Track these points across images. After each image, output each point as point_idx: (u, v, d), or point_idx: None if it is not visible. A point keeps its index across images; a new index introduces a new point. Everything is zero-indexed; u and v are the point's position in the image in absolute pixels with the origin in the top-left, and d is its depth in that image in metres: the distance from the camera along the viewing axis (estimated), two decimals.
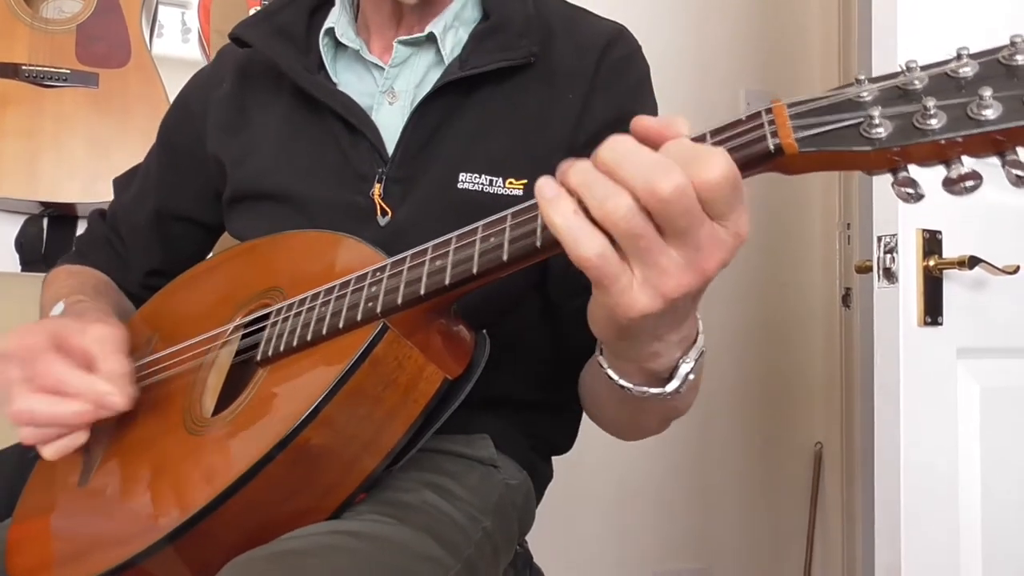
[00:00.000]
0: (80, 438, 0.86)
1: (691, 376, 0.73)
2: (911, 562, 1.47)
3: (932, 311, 1.52)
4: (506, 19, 1.05)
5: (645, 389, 0.74)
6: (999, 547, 1.61)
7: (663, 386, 0.73)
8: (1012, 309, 1.65)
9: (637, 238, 0.57)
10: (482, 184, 0.99)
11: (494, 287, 0.85)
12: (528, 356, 1.05)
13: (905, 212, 1.50)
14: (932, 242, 1.51)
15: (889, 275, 1.51)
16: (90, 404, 0.83)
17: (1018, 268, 1.56)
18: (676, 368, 0.72)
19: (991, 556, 1.59)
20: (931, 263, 1.51)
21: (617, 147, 0.58)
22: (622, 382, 0.75)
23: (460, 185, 0.99)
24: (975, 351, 1.59)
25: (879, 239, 1.53)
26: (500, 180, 0.99)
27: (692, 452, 2.51)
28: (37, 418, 0.84)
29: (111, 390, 0.84)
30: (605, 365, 0.76)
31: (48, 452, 0.86)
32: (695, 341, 0.73)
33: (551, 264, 0.99)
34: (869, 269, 1.58)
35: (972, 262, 1.50)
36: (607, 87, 1.04)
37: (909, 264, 1.50)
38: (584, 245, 0.58)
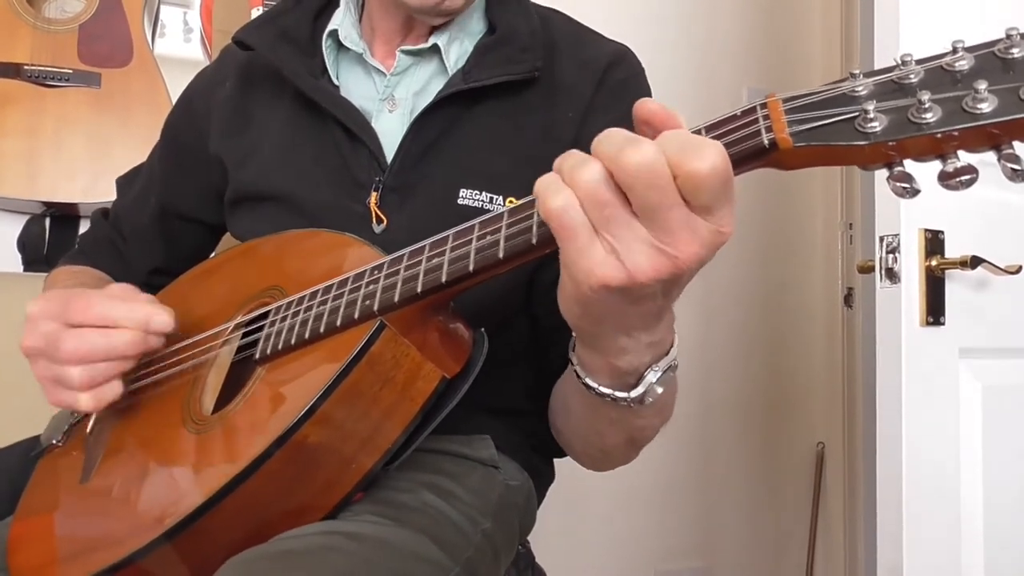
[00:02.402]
0: (116, 387, 0.88)
1: (658, 389, 0.73)
2: (913, 562, 1.47)
3: (934, 311, 1.52)
4: (511, 33, 1.05)
5: (610, 391, 0.74)
6: (1001, 546, 1.61)
7: (628, 392, 0.74)
8: (1014, 309, 1.65)
9: (601, 204, 0.58)
10: (482, 201, 0.99)
11: (488, 303, 0.85)
12: (522, 369, 1.05)
13: (907, 212, 1.50)
14: (934, 242, 1.52)
15: (891, 275, 1.51)
16: (139, 330, 0.86)
17: (1020, 268, 1.56)
18: (643, 375, 0.73)
19: (993, 555, 1.59)
20: (933, 263, 1.51)
21: (602, 133, 0.59)
22: (588, 380, 0.75)
23: (460, 201, 0.99)
24: (977, 351, 1.59)
25: (881, 239, 1.53)
26: (500, 199, 0.99)
27: (694, 452, 2.51)
28: (93, 352, 0.86)
29: (156, 311, 0.87)
30: (574, 361, 0.76)
31: (86, 400, 0.87)
32: (667, 352, 0.73)
33: (538, 279, 1.00)
34: (871, 269, 1.58)
35: (974, 262, 1.50)
36: (605, 109, 1.03)
37: (911, 264, 1.50)
38: (551, 198, 0.59)
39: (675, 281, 0.61)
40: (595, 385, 0.75)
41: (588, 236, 0.59)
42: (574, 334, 0.75)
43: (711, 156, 0.55)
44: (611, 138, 0.58)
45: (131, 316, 0.87)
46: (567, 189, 0.59)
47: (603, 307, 0.64)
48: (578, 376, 0.76)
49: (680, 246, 0.58)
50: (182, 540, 0.76)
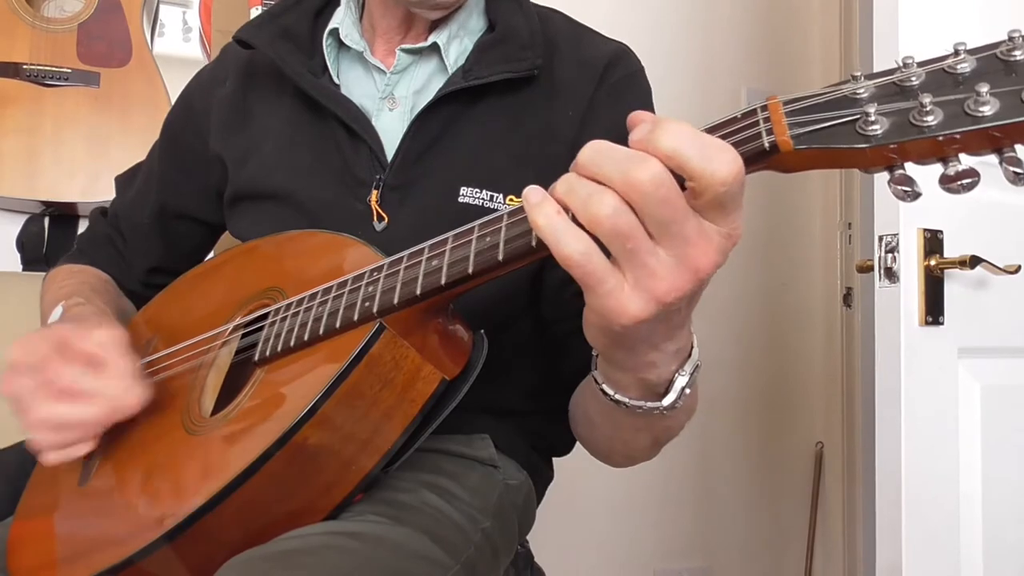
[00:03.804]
0: (84, 448, 0.86)
1: (687, 391, 0.72)
2: (912, 562, 1.47)
3: (933, 311, 1.52)
4: (511, 31, 1.05)
5: (641, 403, 0.73)
6: (1000, 546, 1.61)
7: (659, 400, 0.73)
8: (1013, 309, 1.65)
9: (624, 238, 0.56)
10: (483, 199, 0.99)
11: (488, 304, 0.85)
12: (522, 370, 1.05)
13: (906, 211, 1.50)
14: (933, 241, 1.51)
15: (890, 274, 1.51)
16: (106, 406, 0.84)
17: (1019, 268, 1.55)
18: (672, 382, 0.72)
19: (992, 555, 1.59)
20: (932, 263, 1.51)
21: (595, 148, 0.57)
22: (618, 396, 0.74)
23: (461, 199, 0.99)
24: (976, 351, 1.59)
25: (880, 238, 1.53)
26: (500, 196, 0.99)
27: (693, 451, 2.51)
28: (59, 424, 0.85)
29: (125, 390, 0.84)
30: (600, 380, 0.75)
31: (50, 459, 0.86)
32: (690, 354, 0.72)
33: (545, 283, 1.00)
34: (870, 268, 1.58)
35: (973, 262, 1.50)
36: (606, 107, 1.04)
37: (910, 264, 1.50)
38: (567, 244, 0.57)
39: (697, 291, 0.61)
40: (626, 399, 0.74)
41: (615, 278, 0.58)
42: (596, 353, 0.74)
43: (728, 161, 0.55)
44: (611, 157, 0.57)
45: (104, 392, 0.84)
46: (581, 233, 0.57)
47: (634, 335, 0.64)
48: (605, 393, 0.75)
49: (699, 257, 0.57)
50: (182, 542, 0.75)
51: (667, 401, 0.72)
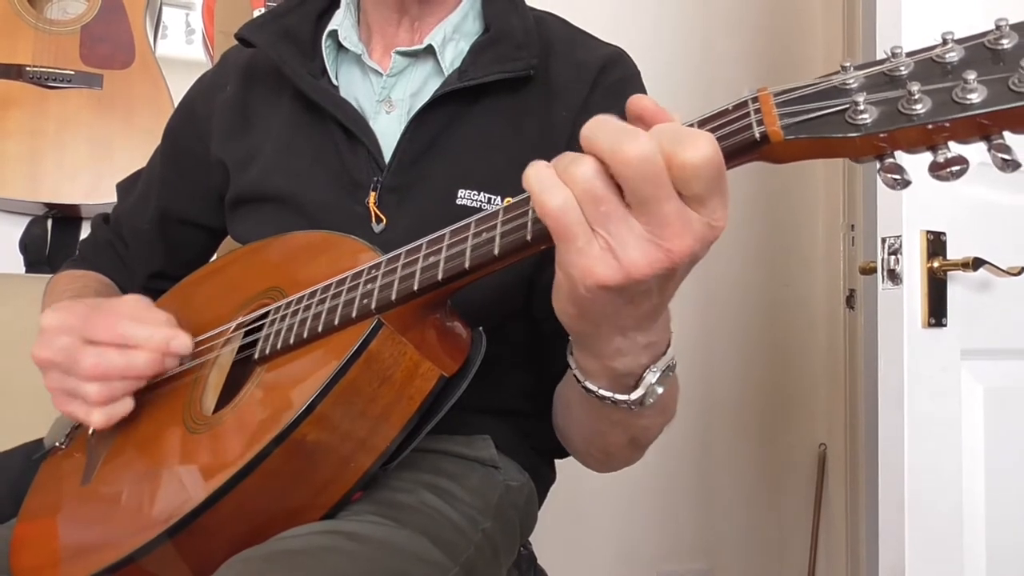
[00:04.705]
0: (128, 404, 0.89)
1: (658, 390, 0.73)
2: (915, 564, 1.46)
3: (936, 312, 1.52)
4: (506, 32, 1.05)
5: (610, 394, 0.74)
6: (1003, 548, 1.60)
7: (628, 394, 0.73)
8: (1016, 310, 1.64)
9: (597, 201, 0.57)
10: (480, 201, 0.99)
11: (486, 304, 0.85)
12: (521, 371, 1.05)
13: (909, 213, 1.50)
14: (936, 243, 1.51)
15: (893, 276, 1.51)
16: (157, 352, 0.87)
17: (1022, 270, 1.55)
18: (642, 377, 0.72)
19: (995, 557, 1.58)
20: (935, 264, 1.51)
21: (595, 120, 0.60)
22: (587, 383, 0.75)
23: (459, 201, 0.99)
24: (979, 352, 1.59)
25: (883, 240, 1.53)
26: (498, 199, 0.99)
27: (696, 453, 2.51)
28: (111, 370, 0.87)
29: (175, 334, 0.88)
30: (573, 365, 0.76)
31: (98, 417, 0.88)
32: (664, 353, 0.73)
33: (537, 281, 0.99)
34: (873, 270, 1.57)
35: (976, 263, 1.50)
36: (600, 110, 1.03)
37: (913, 265, 1.50)
38: (549, 195, 0.59)
39: (669, 277, 0.61)
40: (594, 388, 0.74)
41: (586, 235, 0.59)
42: (571, 337, 0.75)
43: (703, 146, 0.55)
44: (606, 129, 0.58)
45: (151, 338, 0.88)
46: (564, 187, 0.59)
47: (599, 307, 0.64)
48: (577, 380, 0.76)
49: (674, 239, 0.57)
50: (181, 539, 0.76)
51: (634, 395, 0.73)
